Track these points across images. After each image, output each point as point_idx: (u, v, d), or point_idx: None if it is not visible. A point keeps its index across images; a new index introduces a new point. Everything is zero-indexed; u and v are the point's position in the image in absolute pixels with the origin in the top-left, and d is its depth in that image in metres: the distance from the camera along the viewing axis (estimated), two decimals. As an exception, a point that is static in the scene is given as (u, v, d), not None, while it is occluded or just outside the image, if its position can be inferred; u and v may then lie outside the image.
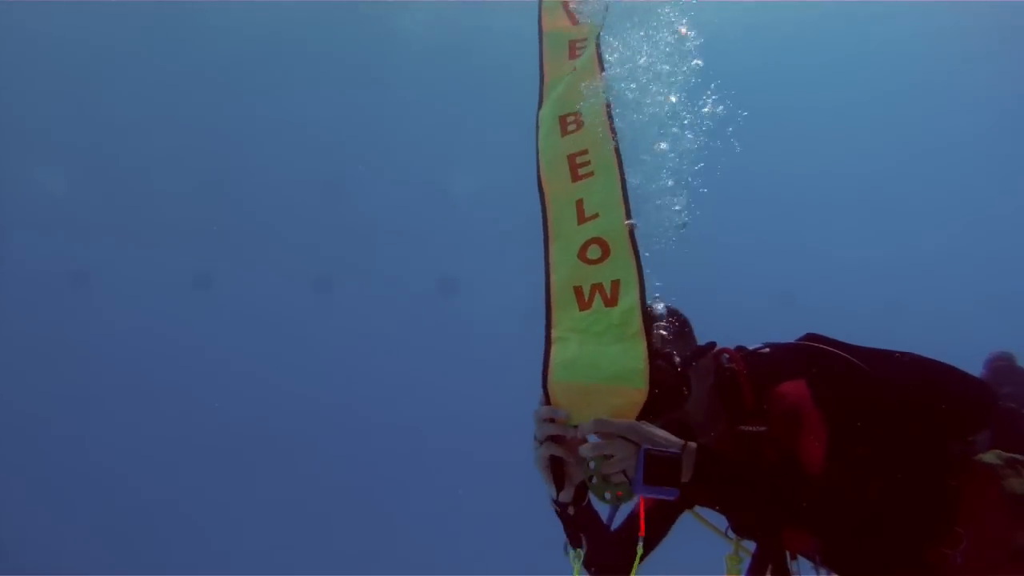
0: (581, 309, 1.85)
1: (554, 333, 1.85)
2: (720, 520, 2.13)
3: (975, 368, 2.58)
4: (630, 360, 1.75)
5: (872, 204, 15.48)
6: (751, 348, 2.14)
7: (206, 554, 12.98)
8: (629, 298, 1.82)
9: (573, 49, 2.25)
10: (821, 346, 2.07)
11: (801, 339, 2.14)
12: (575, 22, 2.30)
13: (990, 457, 2.03)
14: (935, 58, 13.80)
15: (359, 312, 15.23)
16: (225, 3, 13.25)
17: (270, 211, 15.23)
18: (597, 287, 1.86)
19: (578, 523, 1.89)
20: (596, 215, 1.94)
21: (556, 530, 1.97)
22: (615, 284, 1.85)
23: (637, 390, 1.72)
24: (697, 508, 2.10)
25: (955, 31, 13.26)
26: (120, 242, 14.86)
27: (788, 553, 1.97)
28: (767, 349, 2.10)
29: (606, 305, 1.83)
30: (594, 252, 1.90)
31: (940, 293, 14.68)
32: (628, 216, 1.92)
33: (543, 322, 1.88)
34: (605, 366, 1.76)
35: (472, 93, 14.63)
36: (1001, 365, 2.62)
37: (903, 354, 2.09)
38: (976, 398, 2.08)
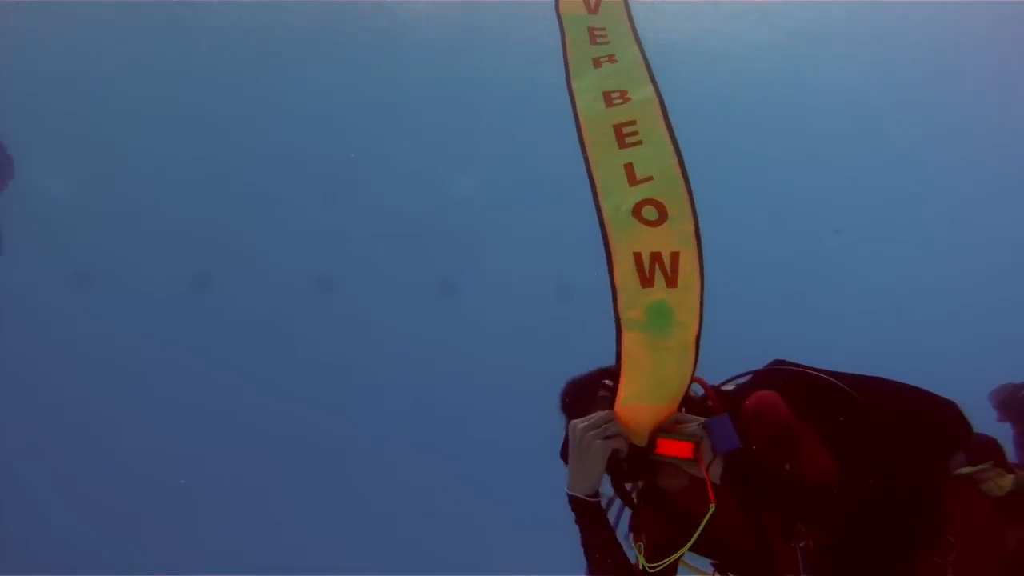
0: (643, 285, 1.88)
1: (622, 313, 1.89)
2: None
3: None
4: (682, 379, 1.92)
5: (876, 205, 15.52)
6: (716, 385, 2.16)
7: (206, 553, 12.98)
8: (691, 282, 1.88)
9: (593, 36, 2.30)
10: (793, 367, 2.10)
11: (768, 365, 2.18)
12: (592, 9, 2.36)
13: (966, 469, 2.08)
14: (936, 58, 13.81)
15: (360, 313, 15.25)
16: (226, 3, 13.27)
17: (271, 211, 15.24)
18: (656, 257, 1.88)
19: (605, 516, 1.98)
20: (650, 178, 1.96)
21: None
22: (675, 256, 1.88)
23: (672, 405, 1.94)
24: (686, 558, 2.10)
25: (957, 29, 13.29)
26: (121, 242, 14.88)
27: None
28: (732, 387, 2.15)
29: (668, 285, 1.87)
30: (650, 213, 1.92)
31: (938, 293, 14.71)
32: (688, 185, 1.94)
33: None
34: (666, 388, 1.92)
35: (475, 94, 14.65)
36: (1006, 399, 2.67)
37: (874, 377, 2.13)
38: (953, 418, 2.11)
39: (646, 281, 1.87)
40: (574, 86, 2.18)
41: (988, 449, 2.17)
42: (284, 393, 14.74)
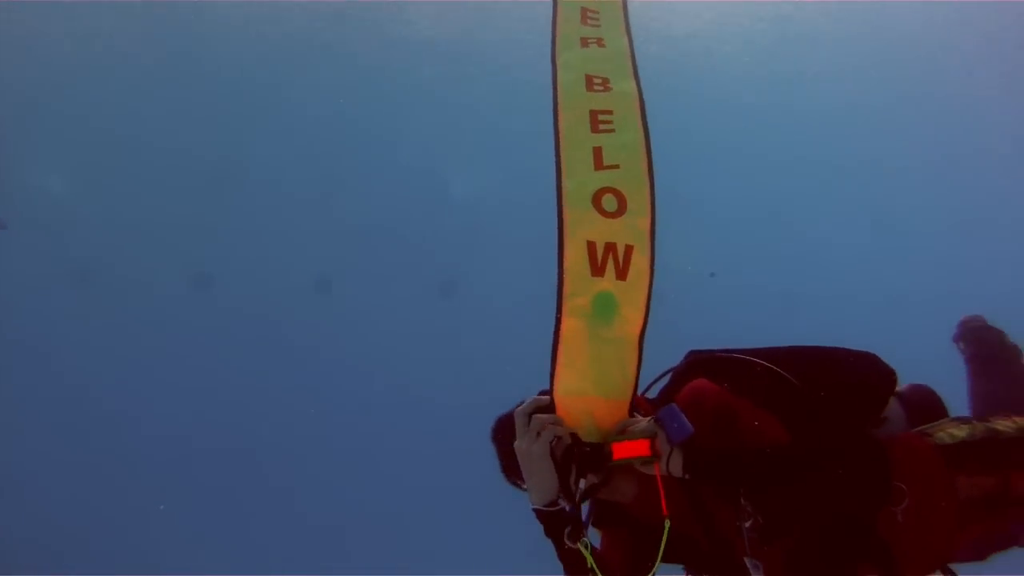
0: (593, 274, 1.86)
1: (567, 299, 1.86)
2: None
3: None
4: (626, 375, 1.90)
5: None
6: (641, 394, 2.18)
7: (206, 551, 12.99)
8: (640, 279, 1.87)
9: (585, 16, 2.30)
10: (710, 354, 2.12)
11: (685, 358, 2.19)
12: None
13: (916, 429, 2.11)
14: (931, 58, 13.83)
15: (359, 313, 15.25)
16: (226, 3, 13.27)
17: (271, 211, 15.25)
18: (611, 248, 1.87)
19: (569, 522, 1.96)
20: (617, 166, 1.95)
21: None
22: (628, 250, 1.88)
23: (618, 403, 1.92)
24: None
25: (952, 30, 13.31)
26: (120, 240, 14.88)
27: None
28: (656, 394, 2.15)
29: (617, 277, 1.86)
30: (609, 203, 1.90)
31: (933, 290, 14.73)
32: (652, 181, 1.93)
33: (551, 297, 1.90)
34: (607, 382, 1.90)
35: (475, 95, 14.64)
36: (974, 326, 2.72)
37: (790, 348, 2.14)
38: (876, 366, 2.13)
39: (597, 270, 1.86)
40: (558, 61, 2.18)
41: (927, 403, 2.20)
42: (283, 392, 14.74)
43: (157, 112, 14.24)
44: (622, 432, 1.89)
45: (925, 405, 2.19)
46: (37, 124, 14.13)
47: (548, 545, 1.99)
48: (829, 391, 1.96)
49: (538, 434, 1.88)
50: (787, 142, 15.20)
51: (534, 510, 1.96)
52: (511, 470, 2.10)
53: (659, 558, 1.83)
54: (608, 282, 1.86)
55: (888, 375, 2.11)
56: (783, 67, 14.35)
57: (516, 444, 1.93)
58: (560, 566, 2.02)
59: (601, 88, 2.09)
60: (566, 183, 1.93)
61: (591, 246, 1.87)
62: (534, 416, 1.90)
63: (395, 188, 15.37)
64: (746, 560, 1.96)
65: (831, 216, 15.58)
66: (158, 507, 12.90)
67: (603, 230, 1.88)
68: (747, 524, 1.92)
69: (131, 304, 14.79)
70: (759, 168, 15.54)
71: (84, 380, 14.35)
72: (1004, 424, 2.11)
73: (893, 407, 2.16)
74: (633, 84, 2.11)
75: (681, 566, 2.12)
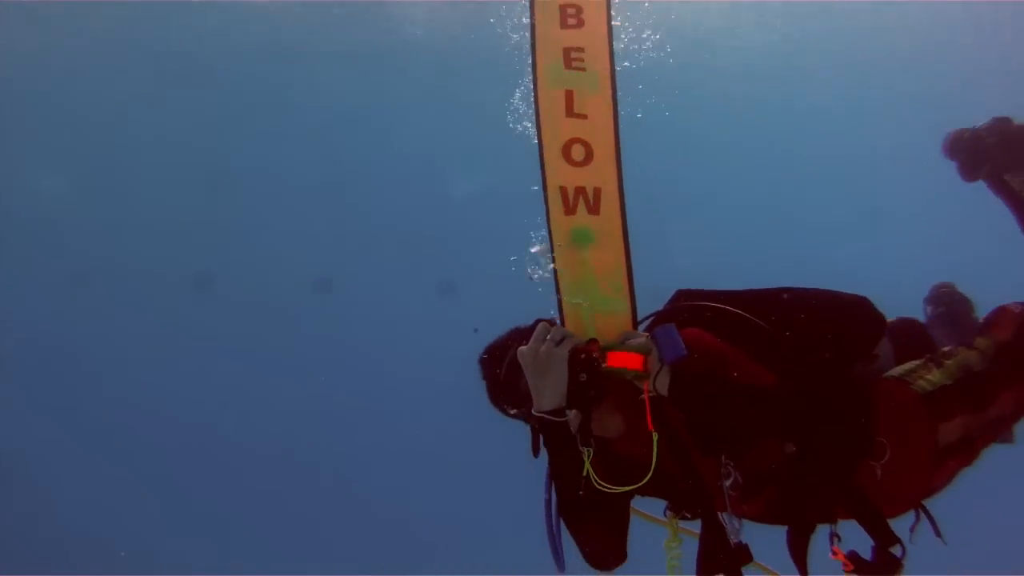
0: (566, 213, 2.08)
1: (553, 236, 2.09)
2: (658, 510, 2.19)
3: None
4: (619, 290, 2.08)
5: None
6: None
7: (205, 552, 13.00)
8: (613, 212, 2.07)
9: None
10: (699, 303, 2.15)
11: (673, 299, 2.22)
12: None
13: (896, 371, 2.12)
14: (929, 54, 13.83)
15: (359, 312, 15.25)
16: (225, 3, 13.26)
17: (272, 211, 15.24)
18: (580, 191, 2.08)
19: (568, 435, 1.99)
20: (585, 116, 2.09)
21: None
22: (596, 191, 2.07)
23: (625, 315, 2.09)
24: (634, 503, 2.13)
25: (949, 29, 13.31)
26: (119, 241, 14.88)
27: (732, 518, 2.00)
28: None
29: (589, 212, 2.09)
30: (578, 153, 2.08)
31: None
32: (617, 134, 2.08)
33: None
34: (602, 297, 2.09)
35: (475, 93, 14.64)
36: (943, 292, 2.75)
37: (784, 292, 2.18)
38: (866, 313, 2.16)
39: (569, 211, 2.08)
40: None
41: (914, 336, 2.24)
42: (283, 392, 14.74)
43: (156, 112, 14.23)
44: (621, 343, 1.98)
45: (912, 337, 2.24)
46: (37, 124, 14.12)
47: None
48: (818, 341, 1.99)
49: (558, 341, 1.96)
50: (790, 140, 15.21)
51: (538, 415, 1.98)
52: (499, 397, 2.18)
53: (652, 467, 1.86)
54: (582, 218, 2.07)
55: (879, 321, 2.14)
56: (782, 67, 14.36)
57: (527, 348, 1.98)
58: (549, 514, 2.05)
59: (575, 22, 2.17)
60: (544, 138, 2.10)
61: (563, 191, 2.08)
62: (555, 326, 2.02)
63: (395, 187, 15.36)
64: (724, 515, 1.99)
65: (830, 215, 15.58)
66: (120, 553, 12.67)
67: (573, 176, 2.07)
68: (727, 483, 1.95)
69: (131, 304, 14.79)
70: (760, 167, 15.56)
71: (84, 380, 14.36)
72: (969, 355, 2.15)
73: (882, 344, 2.18)
74: (605, 16, 2.17)
75: (663, 501, 2.16)
